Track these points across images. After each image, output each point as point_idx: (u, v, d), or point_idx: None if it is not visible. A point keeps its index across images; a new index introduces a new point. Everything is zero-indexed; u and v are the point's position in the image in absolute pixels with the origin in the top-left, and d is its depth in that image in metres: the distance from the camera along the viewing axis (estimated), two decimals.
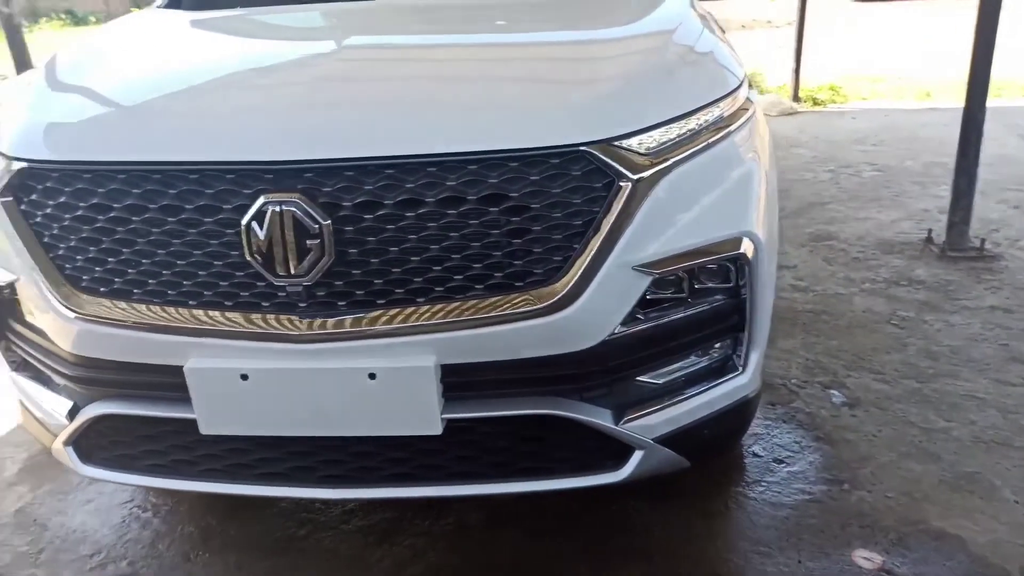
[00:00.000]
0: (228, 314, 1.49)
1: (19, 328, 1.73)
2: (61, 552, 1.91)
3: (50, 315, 1.58)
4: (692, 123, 1.62)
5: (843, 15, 12.52)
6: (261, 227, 1.41)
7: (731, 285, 1.65)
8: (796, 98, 6.80)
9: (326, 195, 1.42)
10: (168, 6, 2.57)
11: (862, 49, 9.26)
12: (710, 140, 1.63)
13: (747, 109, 1.79)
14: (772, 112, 6.44)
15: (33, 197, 1.56)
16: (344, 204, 1.42)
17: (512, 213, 1.44)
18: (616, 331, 1.54)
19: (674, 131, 1.58)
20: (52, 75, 1.86)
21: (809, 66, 6.88)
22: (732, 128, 1.69)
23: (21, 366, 1.79)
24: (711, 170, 1.63)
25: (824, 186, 4.54)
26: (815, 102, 6.78)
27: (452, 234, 1.44)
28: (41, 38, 14.24)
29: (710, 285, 1.65)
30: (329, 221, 1.41)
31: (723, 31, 2.41)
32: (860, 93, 7.07)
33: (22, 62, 4.50)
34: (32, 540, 1.95)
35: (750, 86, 1.92)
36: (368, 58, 1.85)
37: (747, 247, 1.59)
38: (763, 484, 2.06)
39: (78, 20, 19.02)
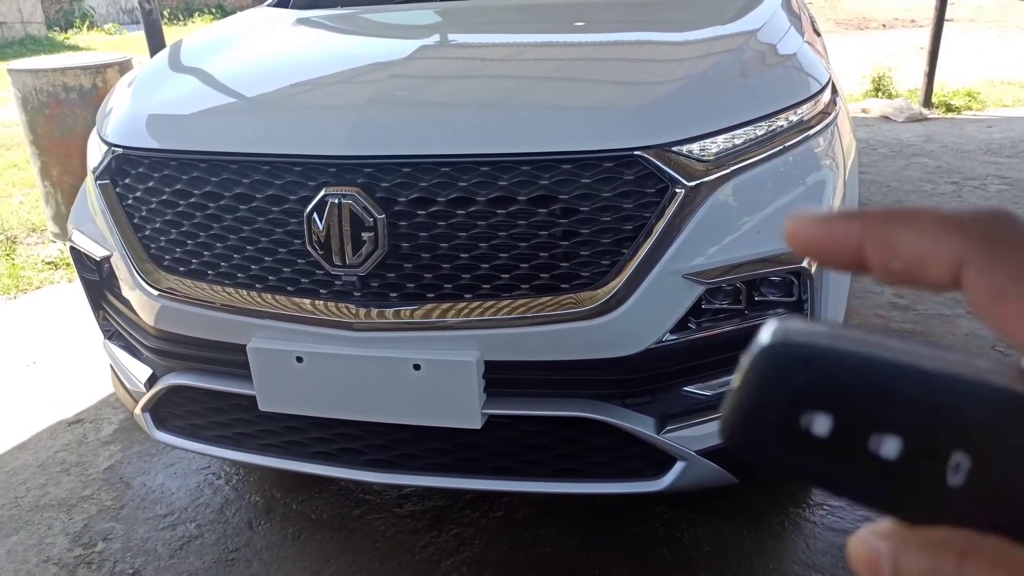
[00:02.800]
0: (288, 299, 1.57)
1: (112, 299, 1.88)
2: (139, 510, 2.06)
3: (136, 290, 1.71)
4: (761, 129, 1.57)
5: (1015, 14, 11.65)
6: (321, 218, 1.48)
7: (793, 299, 1.59)
8: (927, 103, 6.39)
9: (383, 190, 1.47)
10: (277, 4, 2.71)
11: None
12: (781, 147, 1.57)
13: (828, 114, 1.72)
14: (898, 118, 6.08)
15: (127, 181, 1.70)
16: (399, 199, 1.47)
17: (562, 215, 1.45)
18: (664, 339, 1.52)
19: (740, 137, 1.54)
20: (150, 70, 2.00)
21: (951, 68, 6.43)
22: (808, 135, 1.63)
23: (113, 335, 1.95)
24: (779, 178, 1.58)
25: (943, 199, 4.25)
26: (948, 108, 6.34)
27: (501, 233, 1.46)
28: (192, 31, 15.22)
29: (771, 298, 1.60)
30: (384, 215, 1.46)
31: (818, 32, 2.31)
32: (1002, 100, 6.57)
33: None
34: (116, 496, 2.12)
35: (834, 91, 1.84)
36: (435, 59, 1.89)
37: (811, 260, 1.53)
38: (826, 508, 1.97)
39: (227, 15, 20.21)
